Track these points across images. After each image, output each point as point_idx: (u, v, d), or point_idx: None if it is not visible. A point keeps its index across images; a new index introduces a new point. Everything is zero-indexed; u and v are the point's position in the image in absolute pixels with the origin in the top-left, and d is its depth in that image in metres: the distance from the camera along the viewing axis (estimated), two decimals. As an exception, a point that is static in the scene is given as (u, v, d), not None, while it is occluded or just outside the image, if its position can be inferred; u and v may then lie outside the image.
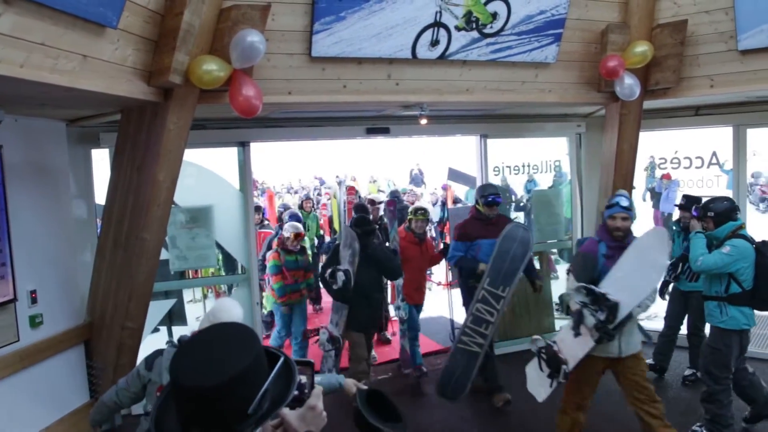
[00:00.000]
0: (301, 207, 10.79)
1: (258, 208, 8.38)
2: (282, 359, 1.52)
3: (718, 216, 4.82)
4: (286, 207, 11.43)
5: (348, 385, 3.27)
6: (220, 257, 7.57)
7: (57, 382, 5.02)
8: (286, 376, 1.53)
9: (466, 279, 5.99)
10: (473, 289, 5.62)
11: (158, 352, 3.27)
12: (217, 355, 1.42)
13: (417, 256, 6.58)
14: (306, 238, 8.45)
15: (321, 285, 6.86)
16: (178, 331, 7.12)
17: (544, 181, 8.39)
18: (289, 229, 6.96)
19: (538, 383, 4.49)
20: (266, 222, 8.65)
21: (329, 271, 5.62)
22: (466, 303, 5.96)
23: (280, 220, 9.53)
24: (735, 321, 4.74)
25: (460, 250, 5.96)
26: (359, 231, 5.78)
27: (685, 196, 6.20)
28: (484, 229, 5.89)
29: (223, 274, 7.82)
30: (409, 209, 7.02)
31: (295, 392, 1.57)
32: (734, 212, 4.85)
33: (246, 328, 1.54)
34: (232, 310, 3.18)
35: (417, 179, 19.59)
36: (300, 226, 7.15)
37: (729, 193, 7.36)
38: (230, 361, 1.39)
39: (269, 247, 7.48)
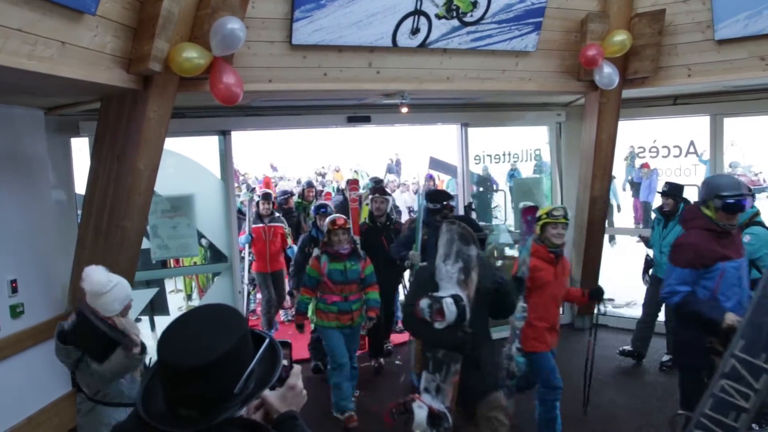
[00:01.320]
0: (302, 197, 9.86)
1: (267, 196, 7.80)
2: (267, 340, 1.55)
3: None
4: (286, 193, 9.92)
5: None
6: (208, 253, 7.50)
7: (39, 371, 4.98)
8: (271, 357, 1.56)
9: (696, 334, 3.73)
10: (699, 349, 3.70)
11: None
12: (204, 336, 1.43)
13: (551, 281, 4.49)
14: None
15: (401, 323, 6.40)
16: (160, 321, 7.12)
17: (526, 170, 8.46)
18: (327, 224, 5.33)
19: None
20: (277, 215, 7.80)
21: (424, 301, 3.46)
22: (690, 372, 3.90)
23: (280, 210, 8.66)
24: None
25: (687, 283, 3.77)
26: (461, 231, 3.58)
27: (668, 183, 6.25)
28: (721, 245, 3.76)
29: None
30: (542, 209, 4.68)
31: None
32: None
33: (233, 309, 1.57)
34: (91, 275, 3.25)
35: (392, 169, 19.26)
36: (341, 215, 5.64)
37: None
38: (216, 342, 1.41)
39: (305, 253, 6.13)
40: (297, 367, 1.73)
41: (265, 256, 7.48)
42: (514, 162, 8.26)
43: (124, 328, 3.29)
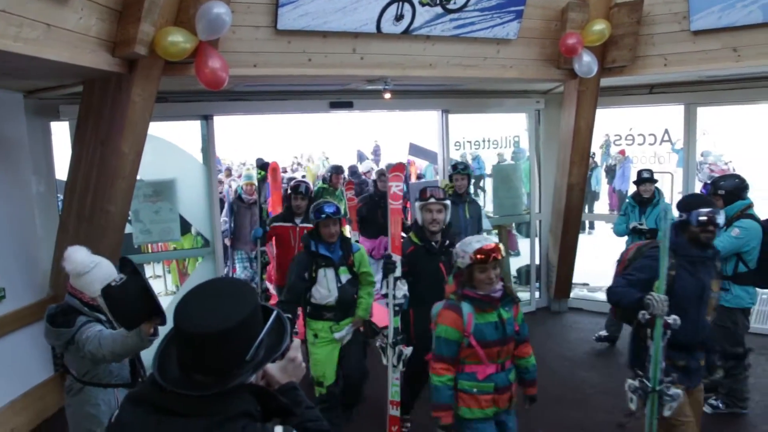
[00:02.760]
0: (327, 181, 8.70)
1: (299, 188, 5.81)
2: (275, 313, 1.64)
3: (728, 194, 4.70)
4: (293, 179, 8.23)
5: None
6: (199, 240, 7.31)
7: (22, 356, 4.98)
8: (279, 329, 1.64)
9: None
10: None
11: None
12: (218, 306, 1.52)
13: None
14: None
15: None
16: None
17: (493, 159, 8.60)
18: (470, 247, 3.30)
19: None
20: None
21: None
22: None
23: (287, 200, 6.38)
24: (739, 300, 4.74)
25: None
26: None
27: (649, 170, 6.26)
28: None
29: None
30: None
31: None
32: (744, 190, 4.75)
33: (245, 282, 1.67)
34: (72, 255, 3.22)
35: (362, 156, 18.65)
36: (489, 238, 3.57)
37: (680, 171, 7.68)
38: (230, 311, 1.50)
39: (387, 269, 4.22)
40: (296, 341, 1.84)
41: None
42: (475, 150, 8.34)
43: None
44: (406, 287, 4.17)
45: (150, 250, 7.61)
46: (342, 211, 4.62)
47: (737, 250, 4.70)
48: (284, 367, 1.79)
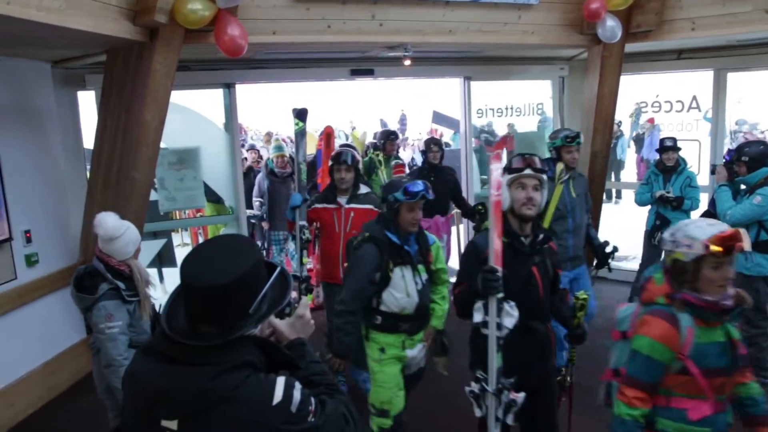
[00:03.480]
0: (381, 149, 7.72)
1: (341, 158, 4.67)
2: (279, 268, 1.71)
3: (752, 160, 4.66)
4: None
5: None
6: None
7: (54, 318, 5.19)
8: (282, 284, 1.71)
9: None
10: None
11: None
12: (224, 260, 1.59)
13: None
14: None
15: None
16: (168, 273, 7.29)
17: (530, 125, 8.47)
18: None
19: None
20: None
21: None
22: None
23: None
24: (761, 268, 4.71)
25: None
26: None
27: (672, 138, 6.11)
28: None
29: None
30: None
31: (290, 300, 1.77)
32: None
33: (247, 238, 1.77)
34: (104, 221, 3.38)
35: (385, 125, 18.06)
36: None
37: (708, 140, 7.52)
38: (234, 265, 1.58)
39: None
40: (305, 299, 1.90)
41: (338, 257, 4.55)
42: (498, 116, 8.20)
43: (138, 270, 3.43)
44: (516, 313, 2.81)
45: (177, 217, 7.78)
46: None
47: (759, 218, 4.64)
48: (293, 323, 1.86)
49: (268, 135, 13.28)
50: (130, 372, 1.68)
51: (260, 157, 8.83)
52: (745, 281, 4.67)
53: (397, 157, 8.00)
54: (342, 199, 4.60)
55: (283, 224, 6.94)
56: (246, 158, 8.36)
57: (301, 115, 5.20)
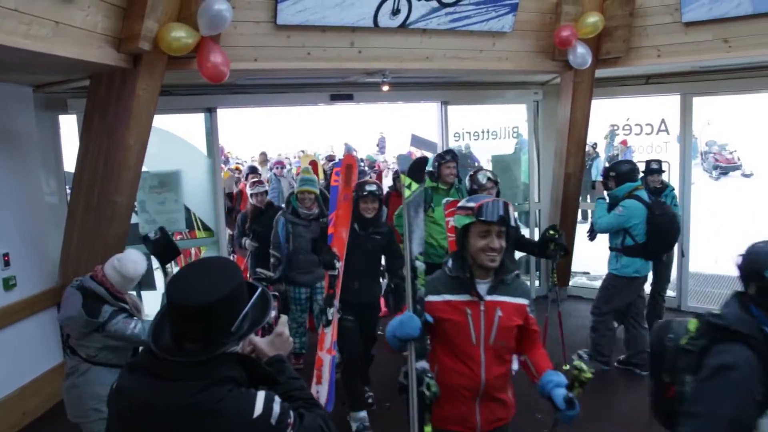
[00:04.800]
0: (435, 177, 5.69)
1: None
2: (260, 289, 1.80)
3: (619, 176, 5.41)
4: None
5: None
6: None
7: (31, 342, 5.16)
8: (263, 304, 1.80)
9: None
10: None
11: None
12: (208, 281, 1.68)
13: None
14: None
15: None
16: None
17: (507, 148, 8.64)
18: None
19: None
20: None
21: None
22: None
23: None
24: (626, 269, 5.43)
25: None
26: None
27: (657, 161, 6.42)
28: None
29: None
30: None
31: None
32: (634, 173, 5.44)
33: (230, 261, 1.86)
34: (134, 262, 3.50)
35: (350, 149, 17.04)
36: None
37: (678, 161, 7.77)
38: (219, 286, 1.66)
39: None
40: (284, 317, 1.99)
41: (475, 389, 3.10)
42: (475, 140, 8.27)
43: (131, 300, 3.59)
44: None
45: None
46: None
47: (622, 226, 5.36)
48: (272, 341, 1.94)
49: (263, 156, 12.57)
50: (116, 388, 1.75)
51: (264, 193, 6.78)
52: (613, 279, 5.56)
53: (459, 186, 5.83)
54: (482, 286, 2.66)
55: (305, 278, 5.75)
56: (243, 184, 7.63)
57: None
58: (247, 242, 6.40)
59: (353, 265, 4.64)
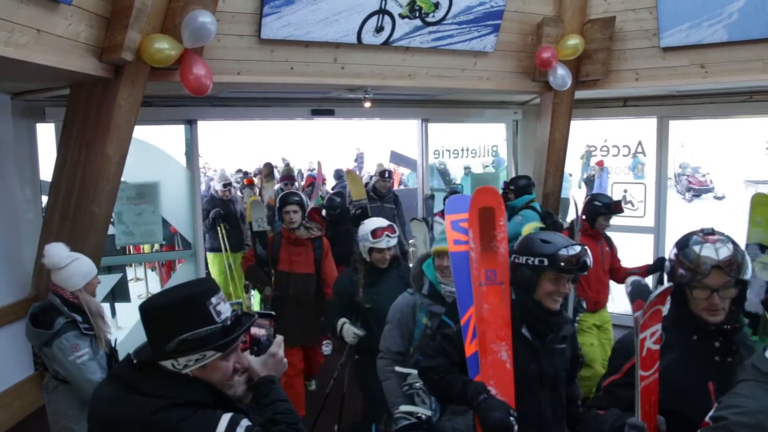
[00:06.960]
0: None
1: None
2: (220, 325, 1.71)
3: (518, 189, 5.91)
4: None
5: None
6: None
7: (2, 354, 5.05)
8: (221, 345, 1.71)
9: None
10: None
11: None
12: (170, 292, 1.78)
13: None
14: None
15: None
16: (121, 308, 7.15)
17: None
18: None
19: None
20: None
21: None
22: None
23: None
24: None
25: None
26: None
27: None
28: None
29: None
30: None
31: (262, 339, 1.92)
32: (530, 187, 5.96)
33: (207, 286, 1.76)
34: (50, 250, 3.34)
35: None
36: None
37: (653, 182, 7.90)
38: (160, 298, 1.77)
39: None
40: (279, 337, 1.94)
41: None
42: (454, 158, 8.45)
43: (88, 305, 3.32)
44: None
45: (132, 252, 7.68)
46: None
47: (519, 233, 5.37)
48: (265, 361, 1.89)
49: (268, 167, 9.71)
50: (93, 398, 1.77)
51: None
52: None
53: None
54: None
55: None
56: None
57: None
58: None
59: None
